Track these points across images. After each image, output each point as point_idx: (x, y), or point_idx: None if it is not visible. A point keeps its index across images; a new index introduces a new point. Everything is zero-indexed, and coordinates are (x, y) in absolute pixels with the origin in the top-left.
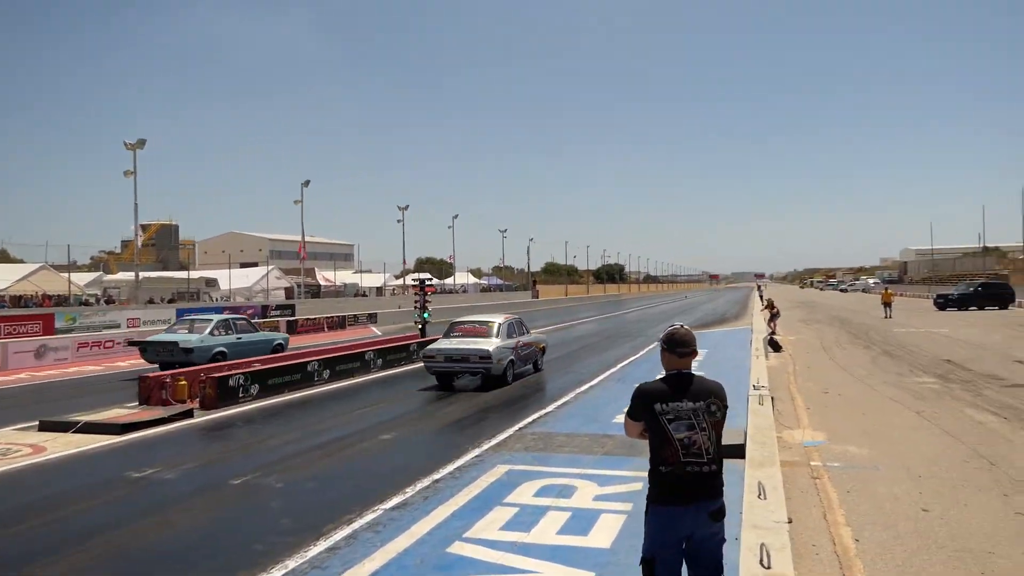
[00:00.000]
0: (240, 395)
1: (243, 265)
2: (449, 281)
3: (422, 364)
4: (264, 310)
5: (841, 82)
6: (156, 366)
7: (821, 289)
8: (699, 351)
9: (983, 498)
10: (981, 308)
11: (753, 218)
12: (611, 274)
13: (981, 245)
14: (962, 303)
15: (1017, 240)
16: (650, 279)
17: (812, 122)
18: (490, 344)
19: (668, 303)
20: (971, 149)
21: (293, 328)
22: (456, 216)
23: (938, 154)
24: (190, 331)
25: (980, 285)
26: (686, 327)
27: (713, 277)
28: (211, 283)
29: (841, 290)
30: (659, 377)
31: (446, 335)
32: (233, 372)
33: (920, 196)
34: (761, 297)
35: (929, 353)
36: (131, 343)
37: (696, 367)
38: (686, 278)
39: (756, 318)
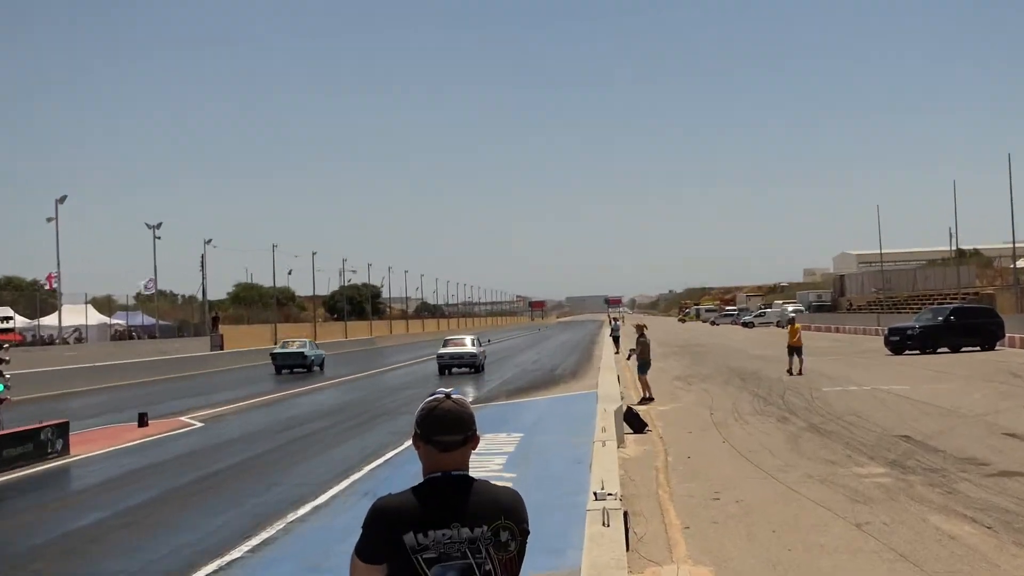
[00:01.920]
0: None
1: None
2: (51, 320)
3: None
4: None
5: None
6: None
7: (713, 323)
8: (512, 436)
9: None
10: (955, 349)
11: (599, 215)
12: (356, 303)
13: (953, 248)
14: (927, 341)
15: (1002, 240)
16: (428, 309)
17: (672, 65)
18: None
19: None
20: (940, 118)
21: None
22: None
23: (888, 124)
24: None
25: (953, 312)
26: (456, 396)
27: (536, 305)
28: None
29: (744, 324)
30: (413, 487)
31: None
32: None
33: (863, 180)
34: (616, 339)
35: (877, 426)
36: None
37: (502, 465)
38: (488, 308)
39: (606, 374)
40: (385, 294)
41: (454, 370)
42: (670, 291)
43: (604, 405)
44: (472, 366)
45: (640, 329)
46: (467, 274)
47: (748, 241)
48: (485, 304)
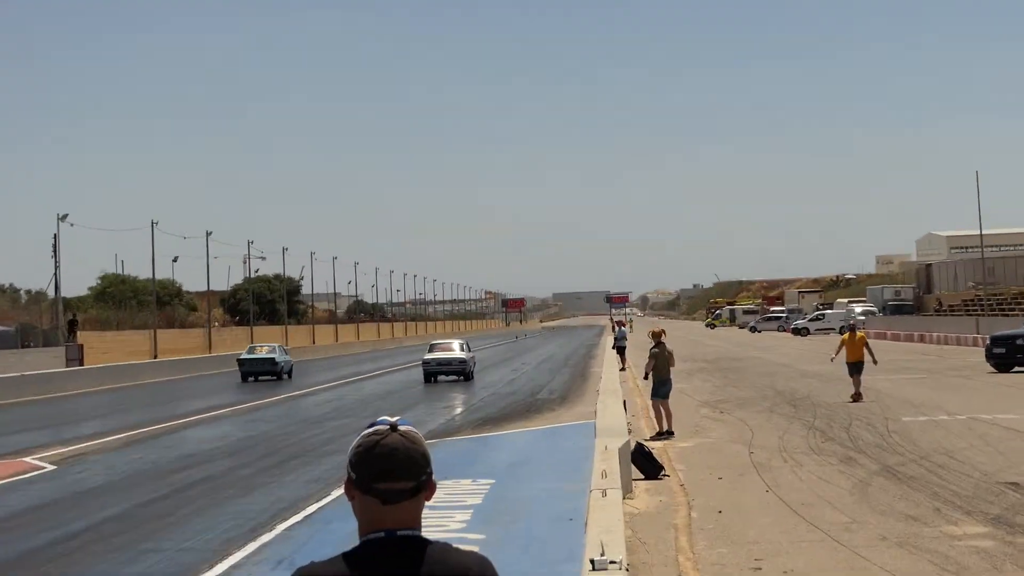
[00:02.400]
0: None
1: None
2: None
3: None
4: None
5: None
6: None
7: (753, 329)
8: (480, 483)
9: None
10: None
11: (597, 187)
12: (267, 301)
13: None
14: None
15: None
16: (364, 310)
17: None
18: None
19: (400, 373)
20: None
21: None
22: None
23: (987, 61)
24: None
25: None
26: (405, 428)
27: (512, 305)
28: None
29: (795, 330)
30: (345, 553)
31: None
32: None
33: (956, 139)
34: (622, 351)
35: (976, 469)
36: None
37: (465, 523)
38: (447, 308)
39: (608, 399)
40: (307, 290)
41: (440, 378)
42: (695, 286)
43: (605, 441)
44: (461, 373)
45: (656, 337)
46: (419, 264)
47: (800, 220)
48: (444, 303)
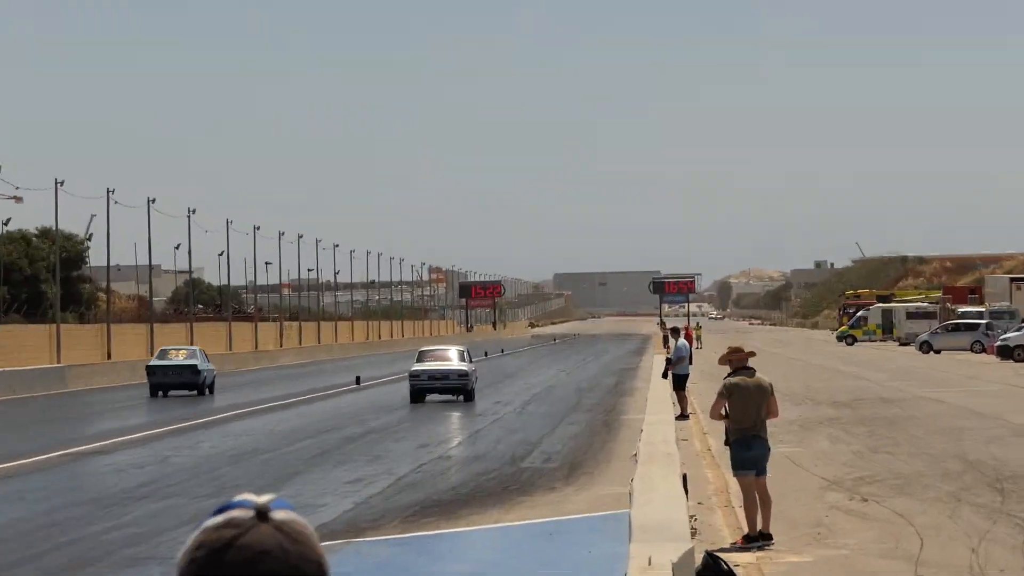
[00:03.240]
0: None
1: None
2: None
3: None
4: None
5: None
6: None
7: (926, 347)
8: None
9: None
10: None
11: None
12: (20, 278)
13: None
14: None
15: None
16: (203, 301)
17: None
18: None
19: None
20: None
21: None
22: None
23: None
24: None
25: None
26: (283, 516)
27: (477, 294)
28: None
29: (1002, 349)
30: None
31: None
32: None
33: None
34: (680, 380)
35: None
36: None
37: None
38: (361, 299)
39: (654, 468)
40: (97, 260)
41: (432, 396)
42: (819, 265)
43: (647, 549)
44: (460, 391)
45: (736, 360)
46: (325, 227)
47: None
48: (357, 288)
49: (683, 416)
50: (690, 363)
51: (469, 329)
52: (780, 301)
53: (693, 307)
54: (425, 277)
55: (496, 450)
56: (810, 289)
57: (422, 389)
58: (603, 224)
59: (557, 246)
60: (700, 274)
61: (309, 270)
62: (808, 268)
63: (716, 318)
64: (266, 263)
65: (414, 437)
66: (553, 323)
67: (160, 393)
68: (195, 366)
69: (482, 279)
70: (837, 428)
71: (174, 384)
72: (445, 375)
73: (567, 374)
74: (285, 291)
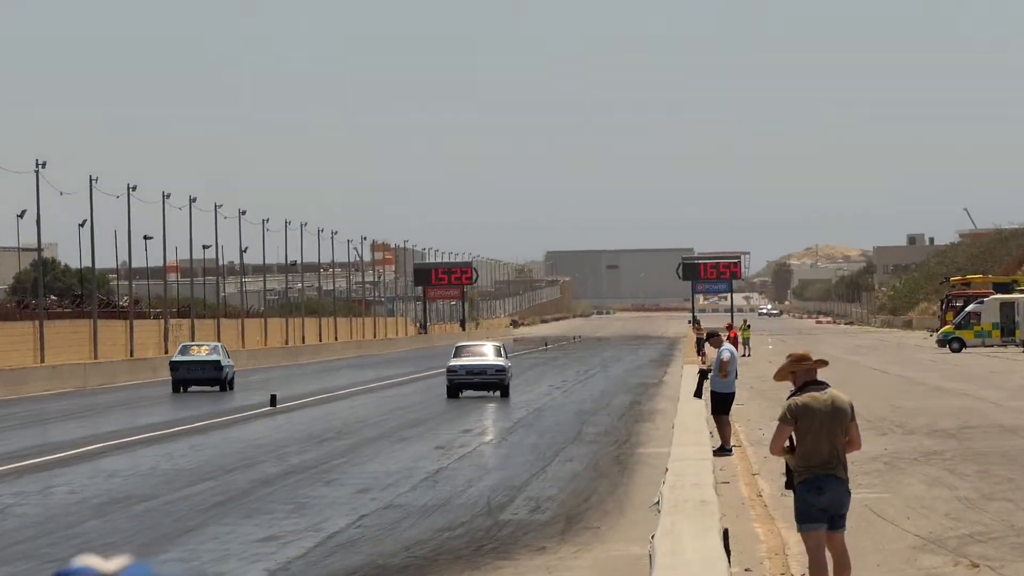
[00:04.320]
0: None
1: None
2: None
3: None
4: None
5: None
6: None
7: None
8: None
9: None
10: None
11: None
12: None
13: None
14: None
15: None
16: (39, 288)
17: None
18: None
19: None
20: None
21: None
22: None
23: None
24: None
25: None
26: None
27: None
28: None
29: None
30: None
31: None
32: None
33: None
34: (724, 401)
35: None
36: None
37: None
38: (275, 285)
39: (683, 523)
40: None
41: (467, 392)
42: (912, 239)
43: None
44: (497, 387)
45: (800, 373)
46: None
47: None
48: (276, 272)
49: (724, 450)
50: (735, 376)
51: (423, 330)
52: (859, 291)
53: (739, 299)
54: (367, 258)
55: (466, 496)
56: (901, 274)
57: (459, 385)
58: (612, 187)
59: (549, 216)
60: (748, 253)
61: (205, 247)
62: (898, 245)
63: (770, 314)
64: (145, 237)
65: (352, 478)
66: (545, 320)
67: (182, 389)
68: (218, 362)
69: (446, 259)
70: (937, 466)
71: (197, 380)
72: (483, 370)
73: (563, 392)
74: (172, 276)
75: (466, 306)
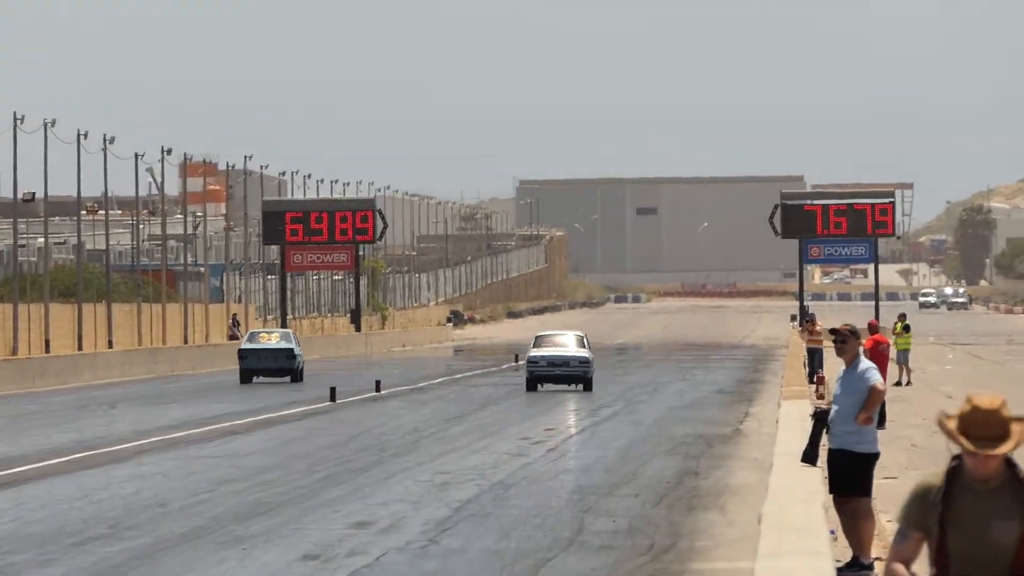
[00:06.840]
0: None
1: None
2: None
3: None
4: None
5: None
6: None
7: None
8: None
9: None
10: None
11: None
12: None
13: None
14: None
15: None
16: None
17: None
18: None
19: None
20: None
21: None
22: None
23: None
24: None
25: None
26: None
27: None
28: None
29: None
30: None
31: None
32: None
33: None
34: (859, 465)
35: None
36: None
37: None
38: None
39: None
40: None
41: (545, 385)
42: None
43: None
44: (580, 380)
45: (989, 430)
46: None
47: None
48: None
49: (860, 566)
50: (881, 423)
51: (357, 328)
52: None
53: (890, 273)
54: (175, 190)
55: None
56: None
57: (540, 376)
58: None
59: (523, 133)
60: (910, 186)
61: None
62: None
63: (952, 303)
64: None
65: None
66: (514, 313)
67: (254, 378)
68: (291, 349)
69: (325, 191)
70: None
71: (266, 370)
72: (565, 362)
73: (550, 452)
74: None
75: (369, 282)
